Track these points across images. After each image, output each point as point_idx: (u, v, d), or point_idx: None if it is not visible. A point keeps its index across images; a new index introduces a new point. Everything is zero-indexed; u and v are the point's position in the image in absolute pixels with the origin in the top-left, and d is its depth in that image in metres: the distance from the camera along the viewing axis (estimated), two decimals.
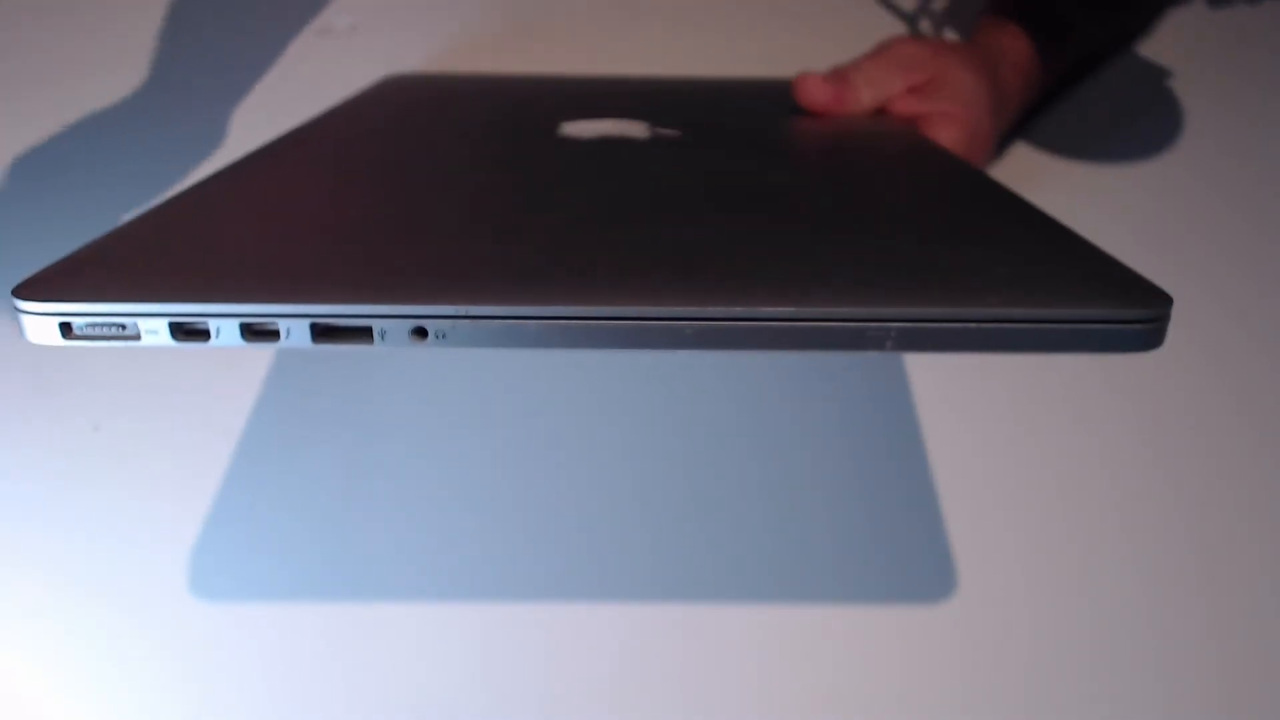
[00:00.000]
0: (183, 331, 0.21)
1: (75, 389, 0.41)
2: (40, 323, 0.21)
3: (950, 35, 0.66)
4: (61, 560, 0.35)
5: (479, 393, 0.42)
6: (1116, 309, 0.21)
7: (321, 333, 0.21)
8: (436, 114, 0.39)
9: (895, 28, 0.67)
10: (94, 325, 0.21)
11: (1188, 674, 0.33)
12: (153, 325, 0.21)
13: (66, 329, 0.21)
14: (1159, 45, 0.66)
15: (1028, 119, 0.57)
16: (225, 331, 0.21)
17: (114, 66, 0.60)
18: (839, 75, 0.44)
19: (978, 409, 0.42)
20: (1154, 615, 0.35)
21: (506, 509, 0.37)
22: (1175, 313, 0.22)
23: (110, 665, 0.32)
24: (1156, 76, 0.63)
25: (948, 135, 0.44)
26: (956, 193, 0.32)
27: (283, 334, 0.21)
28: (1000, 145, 0.54)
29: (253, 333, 0.21)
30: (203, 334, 0.21)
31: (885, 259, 0.24)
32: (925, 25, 0.67)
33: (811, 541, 0.37)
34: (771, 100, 0.45)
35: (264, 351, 0.43)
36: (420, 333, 0.21)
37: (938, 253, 0.24)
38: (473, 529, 0.37)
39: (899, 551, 0.36)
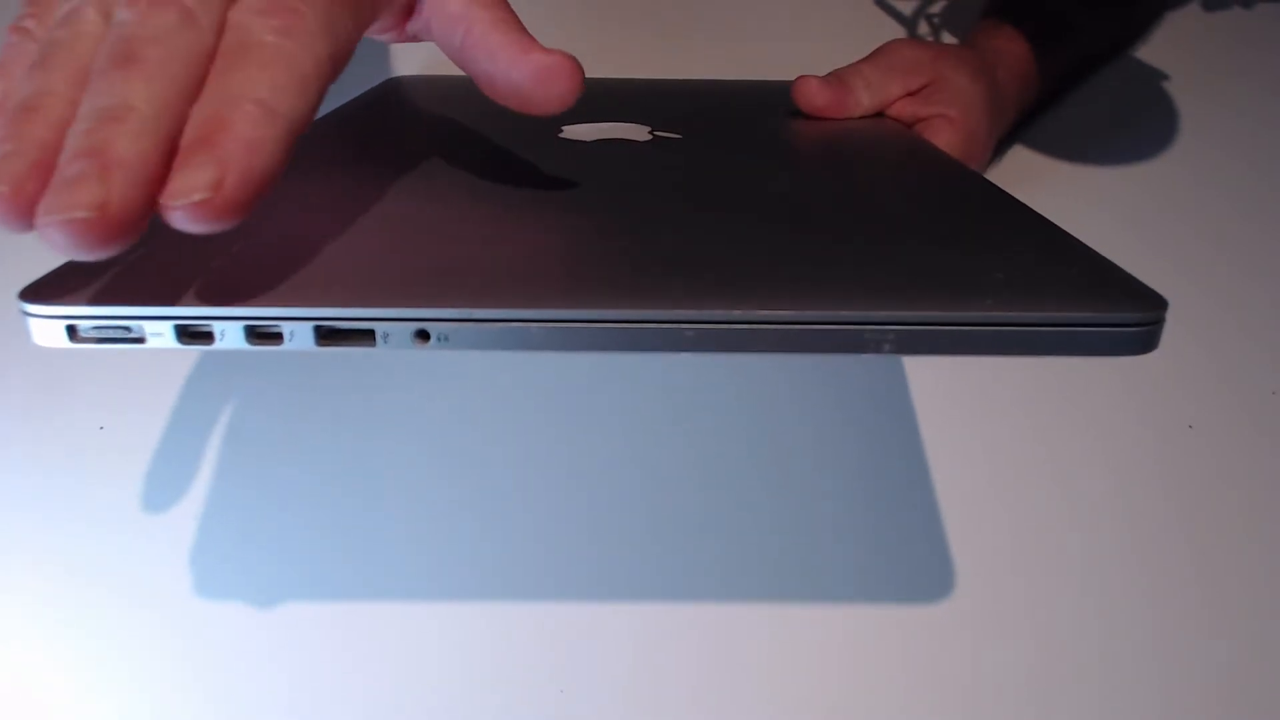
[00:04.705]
0: (187, 334, 0.21)
1: (81, 387, 0.42)
2: (46, 325, 0.22)
3: (948, 38, 0.66)
4: (65, 557, 0.35)
5: (483, 391, 0.42)
6: (1111, 312, 0.21)
7: (325, 335, 0.21)
8: (439, 116, 0.39)
9: (894, 30, 0.67)
10: (99, 328, 0.21)
11: (1187, 674, 0.33)
12: (158, 328, 0.21)
13: (72, 332, 0.22)
14: (1155, 48, 0.66)
15: (1025, 122, 0.57)
16: (230, 334, 0.21)
17: None
18: (838, 79, 0.44)
19: (977, 407, 0.42)
20: (1153, 615, 0.35)
21: (508, 509, 0.38)
22: (1173, 312, 0.22)
23: (112, 661, 0.33)
24: (1153, 79, 0.64)
25: (946, 138, 0.44)
26: (954, 196, 0.32)
27: (286, 337, 0.21)
28: (998, 148, 0.54)
29: (257, 335, 0.21)
30: (207, 336, 0.21)
31: (883, 262, 0.24)
32: (923, 28, 0.67)
33: (809, 540, 0.37)
34: (771, 102, 0.45)
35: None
36: (423, 335, 0.21)
37: (935, 256, 0.24)
38: (475, 529, 0.37)
39: (897, 550, 0.37)
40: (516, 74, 0.26)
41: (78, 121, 0.19)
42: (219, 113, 0.19)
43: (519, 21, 0.27)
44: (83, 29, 0.20)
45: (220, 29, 0.21)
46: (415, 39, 0.29)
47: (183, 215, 0.18)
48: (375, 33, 0.27)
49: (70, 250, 0.18)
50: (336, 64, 0.22)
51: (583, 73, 0.26)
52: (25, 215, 0.18)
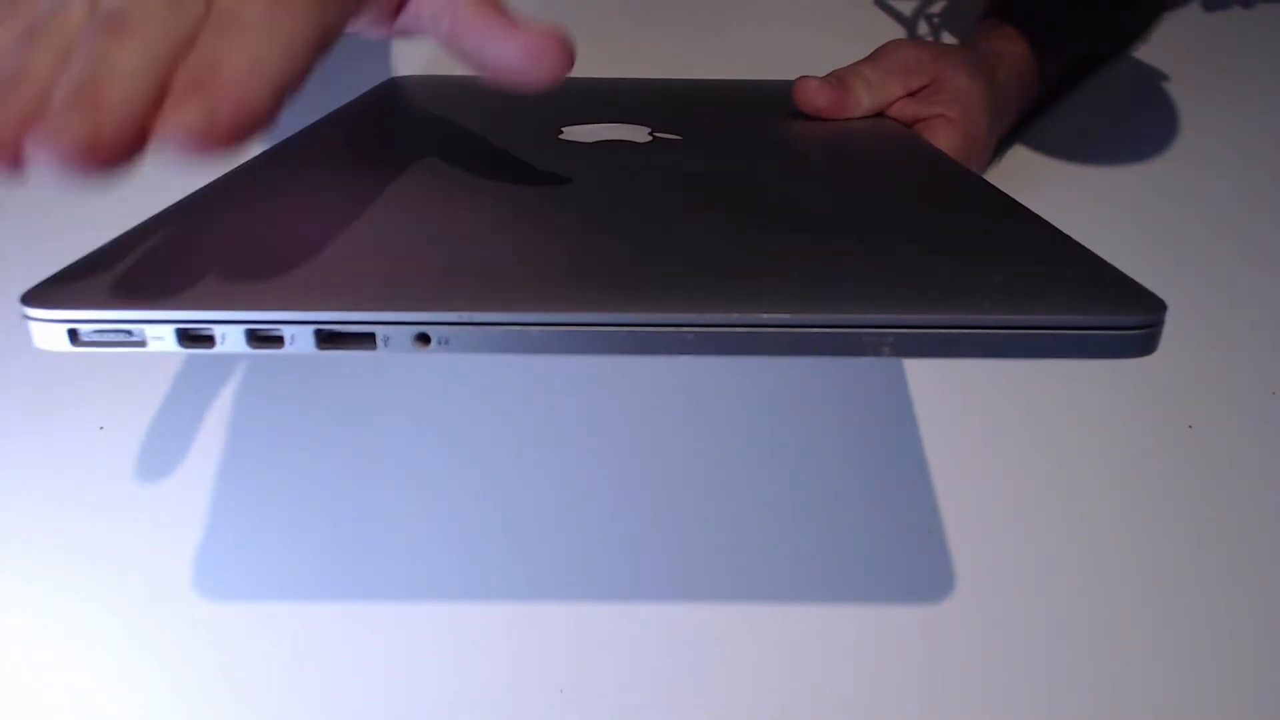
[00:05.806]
0: (188, 338, 0.21)
1: (81, 387, 0.42)
2: (48, 329, 0.22)
3: (948, 38, 0.66)
4: (65, 557, 0.35)
5: (485, 388, 0.42)
6: (1110, 315, 0.21)
7: (325, 339, 0.21)
8: (439, 117, 0.39)
9: (894, 30, 0.67)
10: (100, 332, 0.21)
11: (1188, 674, 0.33)
12: (159, 332, 0.21)
13: (74, 336, 0.22)
14: (1155, 48, 0.66)
15: (1025, 122, 0.57)
16: (230, 338, 0.21)
17: None
18: (838, 79, 0.44)
19: (976, 405, 0.42)
20: (1154, 615, 0.35)
21: (508, 508, 0.38)
22: (1173, 312, 0.22)
23: (111, 660, 0.33)
24: (1153, 79, 0.64)
25: (946, 139, 0.44)
26: (953, 197, 0.32)
27: (287, 340, 0.21)
28: (998, 148, 0.54)
29: (258, 339, 0.21)
30: (208, 340, 0.21)
31: (882, 265, 0.24)
32: (923, 28, 0.68)
33: (809, 540, 0.37)
34: (771, 102, 0.45)
35: None
36: (423, 339, 0.21)
37: (935, 259, 0.24)
38: (475, 528, 0.37)
39: (897, 550, 0.37)
40: (507, 51, 0.26)
41: (65, 77, 0.19)
42: (210, 61, 0.20)
43: (503, 5, 0.27)
44: (70, 19, 0.21)
45: (208, 10, 0.21)
46: (406, 33, 0.29)
47: (178, 139, 0.19)
48: (366, 27, 0.28)
49: (63, 168, 0.18)
50: (324, 42, 0.23)
51: (573, 46, 0.26)
52: (9, 161, 0.19)
